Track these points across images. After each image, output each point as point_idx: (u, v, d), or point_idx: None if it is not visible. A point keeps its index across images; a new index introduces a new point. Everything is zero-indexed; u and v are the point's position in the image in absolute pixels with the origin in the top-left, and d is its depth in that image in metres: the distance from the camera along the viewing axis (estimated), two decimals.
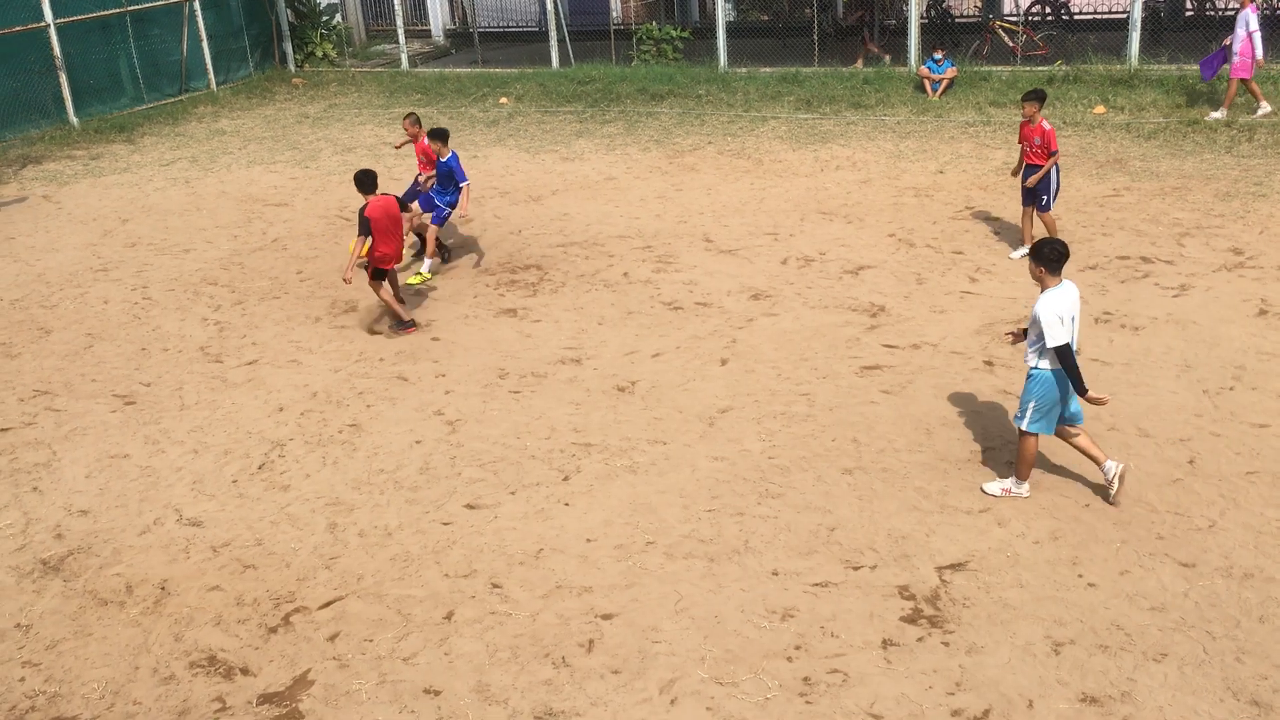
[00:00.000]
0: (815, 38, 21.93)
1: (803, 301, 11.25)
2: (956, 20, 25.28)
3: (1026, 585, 6.77)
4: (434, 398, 9.66)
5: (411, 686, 6.23)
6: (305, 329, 11.34)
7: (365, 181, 10.76)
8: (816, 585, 6.88)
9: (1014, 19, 22.42)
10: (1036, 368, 7.33)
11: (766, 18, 27.71)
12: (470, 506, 7.99)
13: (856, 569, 7.02)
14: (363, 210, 10.65)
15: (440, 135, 12.54)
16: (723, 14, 22.08)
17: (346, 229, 14.54)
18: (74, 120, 20.93)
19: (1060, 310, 7.13)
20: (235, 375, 10.35)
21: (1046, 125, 11.59)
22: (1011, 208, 13.66)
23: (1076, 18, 23.73)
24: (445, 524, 7.78)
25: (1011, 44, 21.16)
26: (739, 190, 15.17)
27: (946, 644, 6.32)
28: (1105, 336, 10.04)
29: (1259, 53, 16.05)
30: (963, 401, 9.05)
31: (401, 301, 11.43)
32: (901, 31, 22.05)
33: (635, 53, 23.25)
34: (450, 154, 12.58)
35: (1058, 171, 11.89)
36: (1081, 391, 7.26)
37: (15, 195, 16.64)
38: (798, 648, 6.35)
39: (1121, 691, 5.88)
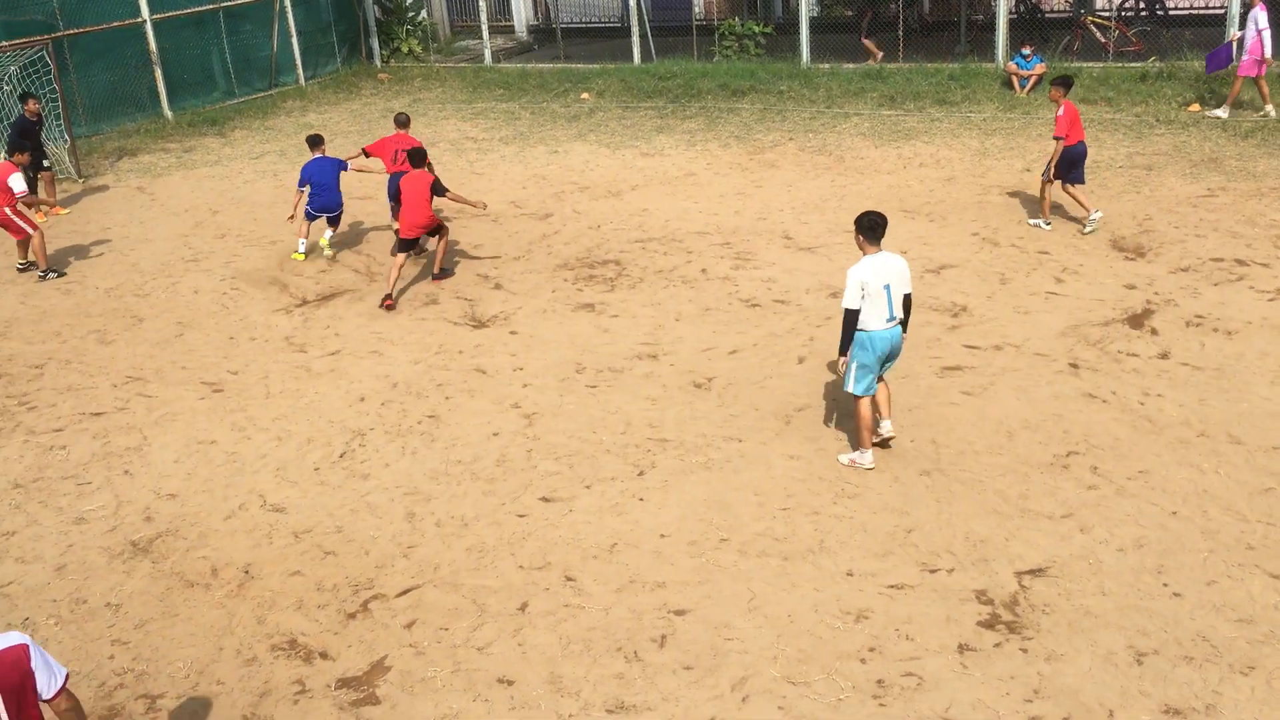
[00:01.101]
0: (900, 33, 21.65)
1: None
2: (1046, 15, 24.77)
3: (1109, 593, 6.63)
4: (511, 391, 9.75)
5: (485, 675, 6.30)
6: (386, 321, 11.52)
7: (416, 156, 12.21)
8: (892, 587, 6.81)
9: (1106, 14, 21.90)
10: (859, 329, 7.85)
11: (850, 13, 27.42)
12: (545, 499, 8.05)
13: (933, 572, 6.93)
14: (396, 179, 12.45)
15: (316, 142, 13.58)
16: (806, 9, 21.91)
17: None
18: (168, 114, 21.49)
19: (864, 277, 7.69)
20: (319, 365, 10.55)
21: (1060, 111, 12.36)
22: (1100, 206, 13.35)
23: (1171, 13, 23.09)
24: (521, 516, 7.85)
25: (1104, 40, 20.68)
26: (819, 187, 15.05)
27: (1025, 650, 6.21)
28: (1197, 340, 9.78)
29: (1268, 51, 15.95)
30: (1046, 404, 8.88)
31: (442, 273, 12.63)
32: (989, 27, 21.68)
33: (717, 48, 23.17)
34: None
35: (1058, 151, 12.58)
36: (842, 353, 7.96)
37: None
38: (872, 649, 6.29)
39: (1206, 704, 5.72)
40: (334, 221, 13.51)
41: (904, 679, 6.05)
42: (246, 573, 7.40)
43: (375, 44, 25.92)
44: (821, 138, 17.59)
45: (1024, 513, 7.48)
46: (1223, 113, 16.57)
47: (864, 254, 7.87)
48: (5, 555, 7.74)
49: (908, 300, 7.96)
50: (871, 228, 7.83)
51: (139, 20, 21.02)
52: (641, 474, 8.30)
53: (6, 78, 18.02)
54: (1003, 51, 20.01)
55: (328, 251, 13.55)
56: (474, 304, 11.82)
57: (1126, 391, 8.99)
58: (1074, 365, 9.51)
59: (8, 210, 13.04)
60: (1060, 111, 12.35)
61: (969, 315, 10.64)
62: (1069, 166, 12.60)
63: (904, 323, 8.00)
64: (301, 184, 13.28)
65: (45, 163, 16.06)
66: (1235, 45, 16.40)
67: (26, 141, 15.07)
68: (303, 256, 13.54)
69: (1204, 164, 14.66)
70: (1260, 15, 15.91)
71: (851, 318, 7.79)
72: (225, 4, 22.50)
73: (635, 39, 23.61)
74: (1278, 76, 17.13)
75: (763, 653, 6.32)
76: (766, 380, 9.62)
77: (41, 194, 15.68)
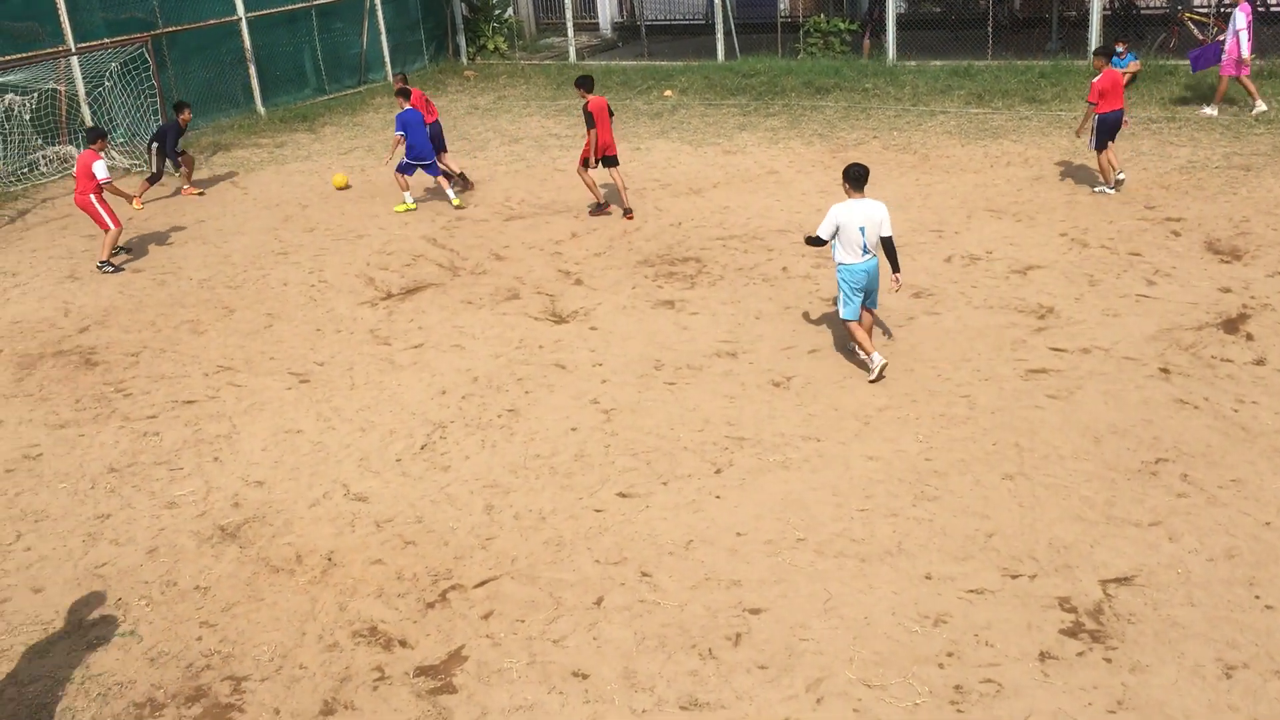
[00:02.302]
0: (990, 30, 21.29)
1: (966, 301, 10.96)
2: (1141, 12, 24.16)
3: (1198, 604, 6.45)
4: (590, 386, 9.80)
5: (560, 668, 6.35)
6: (469, 315, 11.66)
7: (586, 82, 13.93)
8: (971, 592, 6.71)
9: (1204, 10, 21.29)
10: (840, 263, 9.23)
11: (939, 9, 27.03)
12: (623, 495, 8.08)
13: (1015, 577, 6.81)
14: (585, 105, 13.84)
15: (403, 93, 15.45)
16: (893, 5, 21.65)
17: (513, 218, 14.87)
18: (261, 110, 22.00)
19: (841, 218, 9.09)
20: (402, 358, 10.72)
21: (1096, 78, 13.45)
22: (1195, 207, 13.01)
23: (1272, 8, 22.36)
24: (598, 511, 7.89)
25: (1202, 37, 20.10)
26: (903, 185, 14.87)
27: (1109, 660, 6.07)
28: None
29: (1243, 51, 16.24)
30: (1134, 410, 8.67)
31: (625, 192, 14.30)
32: (1083, 24, 21.20)
33: (801, 45, 23.02)
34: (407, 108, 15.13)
35: (1095, 118, 13.56)
36: (807, 240, 9.57)
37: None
38: (950, 654, 6.21)
39: None
40: (431, 170, 15.24)
41: (983, 685, 5.96)
42: (329, 560, 7.55)
43: (462, 41, 26.24)
44: (907, 136, 17.38)
45: (1110, 520, 7.32)
46: (1212, 110, 16.80)
47: (849, 197, 9.18)
48: (100, 537, 8.00)
49: (889, 243, 9.26)
50: (855, 177, 9.16)
51: (234, 18, 21.55)
52: (719, 472, 8.29)
53: (108, 73, 18.61)
54: (1096, 48, 19.55)
55: (455, 202, 15.41)
56: (555, 299, 11.91)
57: (1219, 398, 8.73)
58: (1165, 370, 9.27)
59: (92, 197, 13.47)
60: (1097, 79, 13.40)
61: (1056, 317, 10.43)
62: (1104, 134, 13.54)
63: (894, 263, 9.34)
64: (399, 130, 14.95)
65: (169, 166, 17.07)
66: (1218, 45, 16.62)
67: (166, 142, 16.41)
68: (413, 206, 15.46)
69: None
70: (1238, 16, 16.30)
71: (815, 241, 9.41)
72: (317, 2, 22.95)
73: (719, 36, 23.57)
74: (1266, 73, 17.34)
75: (838, 654, 6.27)
76: (846, 380, 9.54)
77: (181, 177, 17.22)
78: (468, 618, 6.85)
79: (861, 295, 9.36)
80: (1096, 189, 13.87)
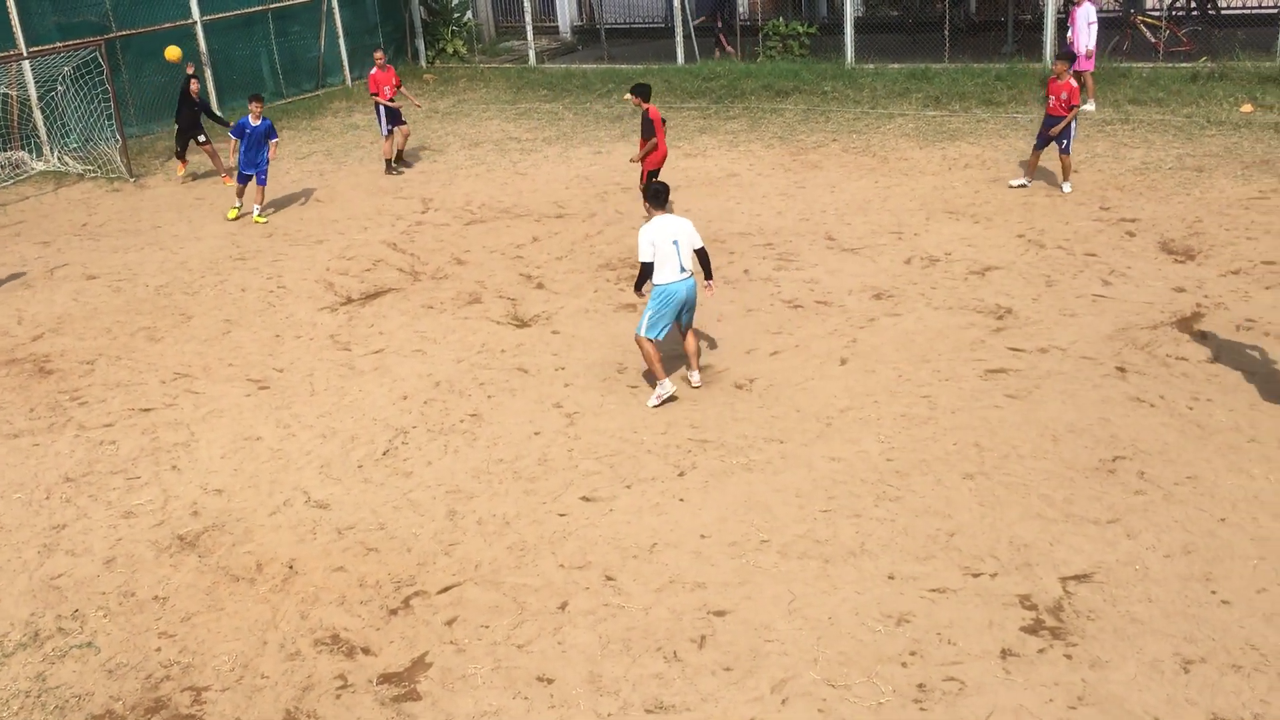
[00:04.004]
0: (946, 33, 21.48)
1: (926, 302, 11.05)
2: (1097, 16, 24.44)
3: (1156, 600, 6.54)
4: (553, 390, 9.78)
5: (525, 674, 6.32)
6: (430, 319, 11.60)
7: (644, 90, 13.56)
8: (934, 591, 6.76)
9: (1157, 14, 21.60)
10: (658, 284, 9.08)
11: (896, 13, 27.24)
12: (586, 499, 8.07)
13: (976, 576, 6.87)
14: (646, 113, 13.35)
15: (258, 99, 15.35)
16: (851, 9, 21.80)
17: (474, 222, 14.81)
18: (217, 113, 21.76)
19: (653, 237, 8.99)
20: (363, 363, 10.65)
21: (1074, 83, 13.67)
22: (1149, 208, 13.19)
23: (1223, 12, 22.73)
24: (561, 515, 7.88)
25: (1154, 40, 20.40)
26: (863, 188, 14.97)
27: (1069, 657, 6.14)
28: (1249, 344, 9.62)
29: (1080, 47, 17.04)
30: (1092, 408, 8.77)
31: None
32: (1038, 27, 21.45)
33: (761, 49, 23.12)
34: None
35: (1075, 121, 13.95)
36: (637, 289, 9.45)
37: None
38: (913, 653, 6.25)
39: (1254, 714, 5.63)
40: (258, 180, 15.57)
41: (945, 684, 6.01)
42: (290, 568, 7.48)
43: (421, 45, 26.12)
44: (865, 138, 17.50)
45: (1069, 517, 7.40)
46: (1089, 106, 17.41)
47: (652, 216, 9.17)
48: (55, 548, 7.88)
49: (703, 254, 9.33)
50: (655, 194, 9.26)
51: (189, 21, 21.33)
52: (682, 474, 8.30)
53: (61, 78, 18.35)
54: (1050, 52, 19.79)
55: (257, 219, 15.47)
56: (516, 303, 11.88)
57: (1175, 396, 8.86)
58: (1121, 369, 9.39)
59: None
60: (1074, 83, 13.72)
61: (1014, 317, 10.54)
62: (1047, 133, 14.04)
63: (708, 272, 9.46)
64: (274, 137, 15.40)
65: (201, 138, 17.45)
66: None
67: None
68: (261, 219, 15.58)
69: (1256, 165, 14.42)
70: (1090, 10, 17.07)
71: (646, 269, 9.09)
72: (274, 5, 22.77)
73: (679, 39, 23.61)
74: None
75: (803, 655, 6.30)
76: (808, 382, 9.59)
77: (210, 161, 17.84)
78: (431, 624, 6.81)
79: (674, 317, 9.25)
80: (1015, 182, 14.34)
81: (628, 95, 13.59)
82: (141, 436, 9.46)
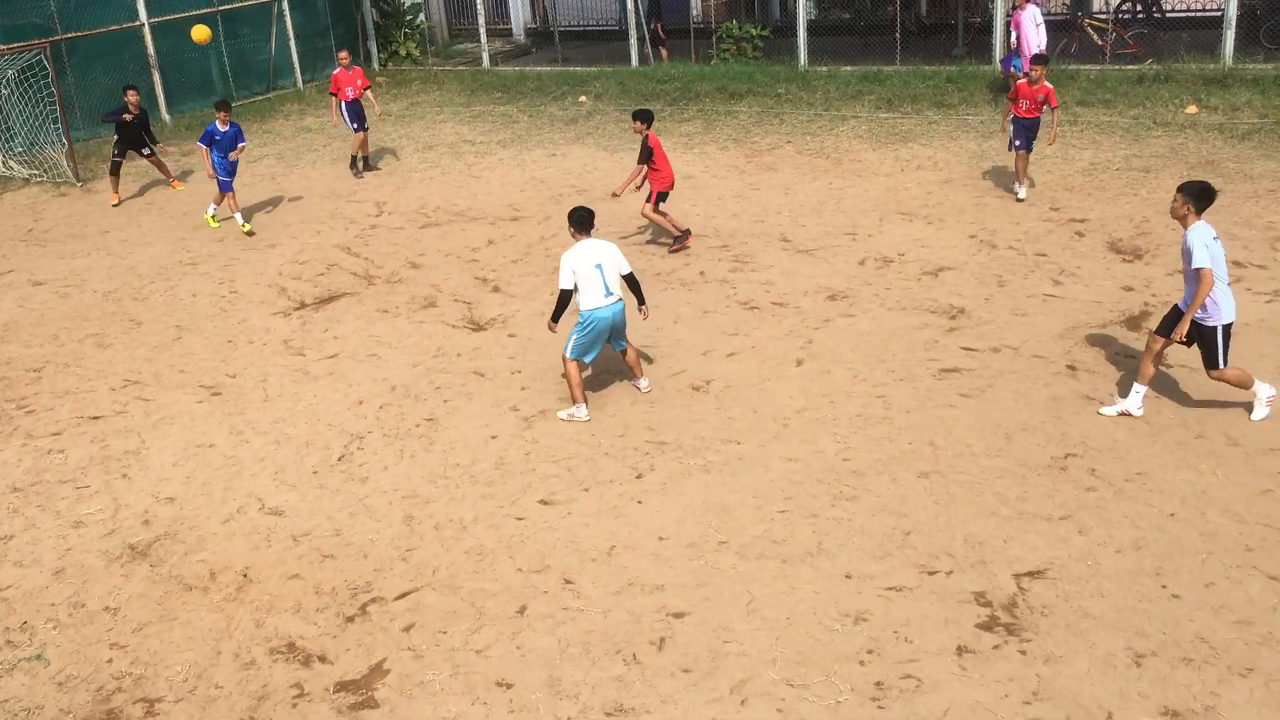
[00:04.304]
0: (897, 36, 21.68)
1: (880, 303, 11.14)
2: (1044, 17, 24.77)
3: (1107, 595, 6.63)
4: (510, 394, 9.75)
5: (484, 679, 6.30)
6: (385, 324, 11.52)
7: (647, 116, 12.82)
8: (890, 589, 6.82)
9: (1104, 16, 21.93)
10: (583, 309, 8.92)
11: (848, 15, 27.44)
12: (544, 502, 8.05)
13: (931, 574, 6.93)
14: (646, 139, 12.69)
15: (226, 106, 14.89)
16: (804, 12, 21.93)
17: (429, 225, 14.73)
18: (166, 117, 21.49)
19: (574, 263, 8.84)
20: (317, 368, 10.56)
21: (1048, 84, 13.68)
22: (1098, 209, 13.38)
23: (1169, 15, 23.12)
24: (519, 519, 7.85)
25: (1101, 42, 20.69)
26: (817, 190, 15.06)
27: (1023, 652, 6.21)
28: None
29: (1031, 48, 17.06)
30: (1044, 407, 8.89)
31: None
32: (986, 29, 21.69)
33: (715, 51, 23.19)
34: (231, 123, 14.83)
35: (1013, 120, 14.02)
36: (553, 319, 9.23)
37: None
38: (870, 652, 6.29)
39: (1205, 706, 5.73)
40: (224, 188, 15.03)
41: (902, 681, 6.05)
42: (245, 576, 7.40)
43: (373, 47, 25.94)
44: (819, 140, 17.61)
45: (1022, 515, 7.49)
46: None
47: (575, 241, 9.02)
48: (3, 559, 7.73)
49: (632, 279, 9.18)
50: (579, 220, 9.07)
51: (137, 24, 21.04)
52: (640, 477, 8.30)
53: (5, 81, 18.03)
54: (1000, 54, 20.02)
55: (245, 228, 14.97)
56: (472, 307, 11.83)
57: (1125, 393, 8.99)
58: (1072, 367, 9.52)
59: None
60: (1049, 85, 13.71)
61: (967, 317, 10.65)
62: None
63: (639, 297, 9.32)
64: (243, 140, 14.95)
65: (145, 150, 16.55)
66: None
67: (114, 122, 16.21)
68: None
69: (1201, 166, 14.67)
70: (1021, 15, 17.27)
71: (564, 296, 8.95)
72: (223, 7, 22.51)
73: (633, 42, 23.64)
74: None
75: (761, 655, 6.32)
76: (764, 383, 9.63)
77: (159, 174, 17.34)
78: (389, 630, 6.76)
79: (602, 342, 9.12)
80: (1022, 192, 13.97)
81: (635, 122, 12.78)
82: (91, 445, 9.31)
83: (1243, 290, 10.76)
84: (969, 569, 6.96)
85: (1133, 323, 10.30)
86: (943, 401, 9.08)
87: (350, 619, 6.90)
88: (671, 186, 13.11)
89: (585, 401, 9.16)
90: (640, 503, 7.95)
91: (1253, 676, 5.90)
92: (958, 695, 5.92)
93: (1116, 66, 19.49)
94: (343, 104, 17.17)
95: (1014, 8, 18.05)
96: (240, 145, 14.85)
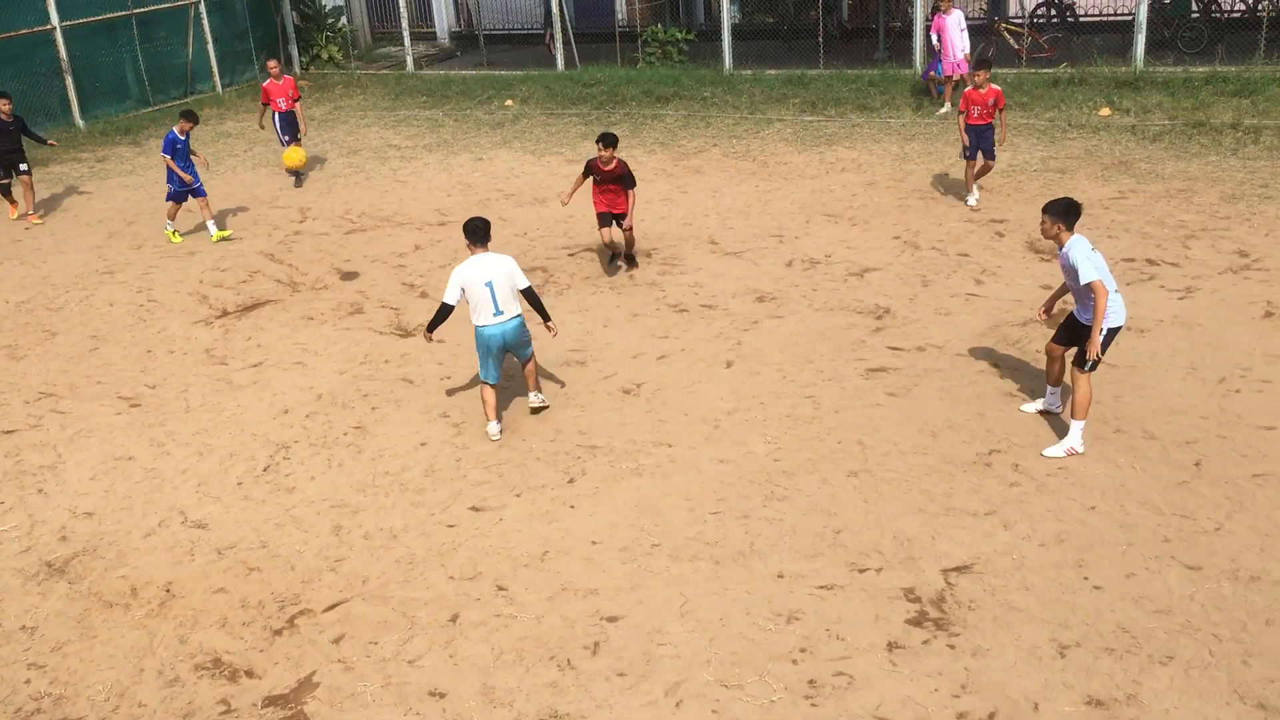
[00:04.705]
0: (820, 39, 21.92)
1: (808, 304, 11.24)
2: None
3: (1032, 588, 6.76)
4: (439, 400, 9.66)
5: (416, 689, 6.23)
6: (310, 331, 11.35)
7: (613, 140, 11.74)
8: (822, 588, 6.88)
9: (1019, 21, 22.40)
10: (475, 325, 8.68)
11: (772, 20, 27.69)
12: (475, 509, 7.99)
13: (862, 571, 7.01)
14: (622, 164, 11.85)
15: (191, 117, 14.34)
16: (728, 16, 22.08)
17: (354, 231, 14.55)
18: (80, 123, 20.98)
19: (463, 279, 8.54)
20: (240, 378, 10.37)
21: (996, 86, 13.65)
22: (1017, 209, 13.64)
23: (1082, 19, 23.69)
24: (450, 526, 7.78)
25: (1017, 46, 21.13)
26: (744, 192, 15.16)
27: (952, 647, 6.30)
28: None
29: (956, 52, 17.84)
30: (968, 404, 9.04)
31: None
32: (907, 34, 22.03)
33: (640, 55, 23.24)
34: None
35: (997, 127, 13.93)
36: (428, 330, 8.93)
37: None
38: (803, 650, 6.34)
39: (1127, 694, 5.86)
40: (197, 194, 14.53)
41: (835, 678, 6.11)
42: (168, 591, 7.23)
43: (294, 51, 25.57)
44: (745, 143, 17.73)
45: (949, 511, 7.60)
46: (946, 109, 18.31)
47: (471, 254, 8.72)
48: None
49: (530, 294, 8.82)
50: (473, 231, 8.70)
51: (48, 27, 20.49)
52: (572, 481, 8.28)
53: None
54: (920, 57, 20.35)
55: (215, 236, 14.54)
56: (400, 313, 11.71)
57: (1044, 390, 9.17)
58: (994, 365, 9.69)
59: None
60: (996, 87, 13.66)
61: (892, 317, 10.80)
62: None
63: (542, 313, 9.00)
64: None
65: (23, 166, 15.55)
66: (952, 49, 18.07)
67: None
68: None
69: (1114, 167, 15.05)
70: (946, 20, 17.77)
71: (443, 310, 8.69)
72: (138, 10, 22.03)
73: (559, 45, 23.59)
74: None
75: (695, 657, 6.34)
76: (695, 385, 9.66)
77: (19, 199, 15.80)
78: (318, 643, 6.66)
79: (501, 358, 8.88)
80: (972, 200, 13.90)
81: (610, 149, 11.60)
82: (4, 459, 9.04)
83: (1156, 288, 11.05)
84: (898, 566, 7.05)
85: (1053, 321, 10.51)
86: (870, 401, 9.19)
87: (278, 632, 6.78)
88: (613, 209, 12.11)
89: (495, 419, 8.93)
90: (572, 507, 7.92)
91: (1173, 664, 6.05)
92: (889, 691, 5.99)
93: (1032, 70, 19.91)
94: (275, 115, 16.79)
95: (935, 12, 18.36)
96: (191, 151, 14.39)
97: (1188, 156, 15.26)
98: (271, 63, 16.99)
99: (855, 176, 15.55)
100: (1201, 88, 17.57)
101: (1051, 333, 8.91)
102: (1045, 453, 8.12)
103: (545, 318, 9.07)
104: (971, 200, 13.91)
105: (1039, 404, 8.81)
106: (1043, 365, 9.60)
